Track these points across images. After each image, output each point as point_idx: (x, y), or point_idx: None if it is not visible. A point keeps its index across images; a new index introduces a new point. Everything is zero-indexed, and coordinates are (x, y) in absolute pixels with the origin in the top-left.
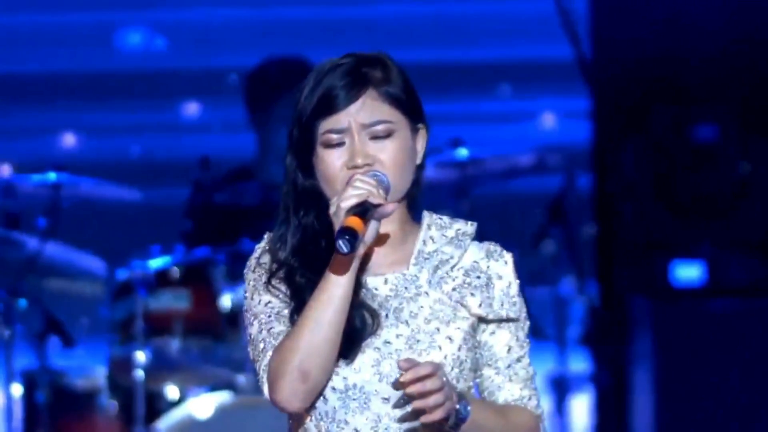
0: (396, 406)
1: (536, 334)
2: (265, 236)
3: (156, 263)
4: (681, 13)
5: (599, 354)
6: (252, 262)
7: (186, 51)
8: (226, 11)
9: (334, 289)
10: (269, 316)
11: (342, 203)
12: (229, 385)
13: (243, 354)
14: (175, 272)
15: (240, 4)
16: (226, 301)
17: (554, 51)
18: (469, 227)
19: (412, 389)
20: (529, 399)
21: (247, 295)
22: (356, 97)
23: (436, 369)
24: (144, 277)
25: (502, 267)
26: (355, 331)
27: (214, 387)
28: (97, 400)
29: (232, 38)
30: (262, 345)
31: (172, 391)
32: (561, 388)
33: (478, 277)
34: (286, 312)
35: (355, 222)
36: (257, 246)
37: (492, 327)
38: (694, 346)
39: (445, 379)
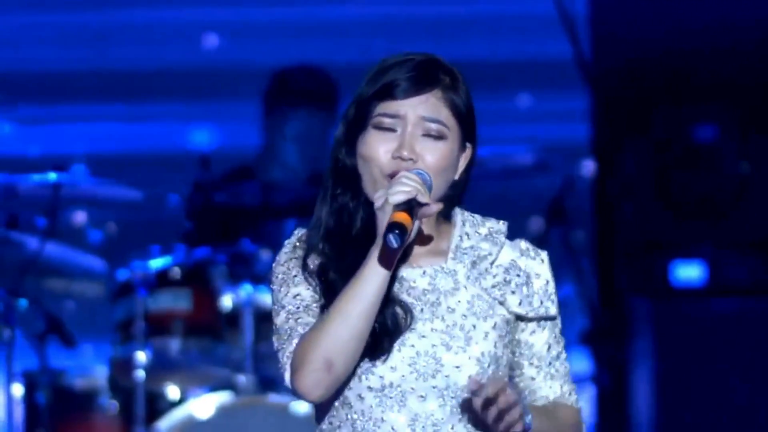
0: None
1: None
2: (295, 232)
3: (156, 263)
4: (681, 14)
5: (599, 354)
6: (281, 256)
7: (187, 51)
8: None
9: (369, 284)
10: (297, 308)
11: (390, 198)
12: (229, 385)
13: (243, 354)
14: (176, 272)
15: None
16: (226, 301)
17: (554, 51)
18: (501, 225)
19: (492, 412)
20: (570, 394)
21: (274, 288)
22: (422, 92)
23: (503, 385)
24: (144, 277)
25: (539, 265)
26: (388, 329)
27: (215, 387)
28: (97, 400)
29: (244, 39)
30: (287, 333)
31: (172, 392)
32: None
33: (518, 275)
34: (314, 306)
35: (403, 217)
36: (286, 242)
37: (532, 326)
38: (694, 346)
39: (513, 391)
